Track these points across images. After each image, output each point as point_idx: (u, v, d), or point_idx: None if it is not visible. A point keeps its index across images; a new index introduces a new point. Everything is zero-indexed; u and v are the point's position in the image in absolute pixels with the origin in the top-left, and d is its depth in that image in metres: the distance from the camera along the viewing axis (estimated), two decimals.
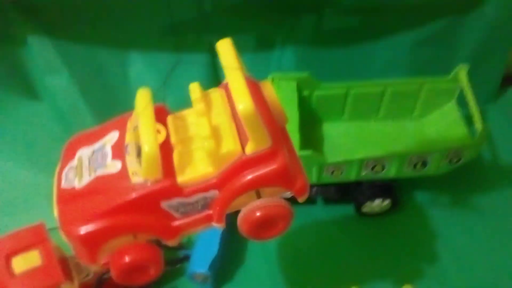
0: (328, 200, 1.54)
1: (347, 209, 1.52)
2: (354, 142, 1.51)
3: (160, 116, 0.85)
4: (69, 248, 0.85)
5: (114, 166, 0.79)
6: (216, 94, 0.88)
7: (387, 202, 1.47)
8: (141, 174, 0.75)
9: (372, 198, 1.45)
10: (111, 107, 1.50)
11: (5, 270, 1.18)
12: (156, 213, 0.79)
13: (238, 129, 0.80)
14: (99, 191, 0.79)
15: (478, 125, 1.32)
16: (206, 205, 0.81)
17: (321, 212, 1.55)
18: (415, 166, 1.36)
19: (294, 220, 1.52)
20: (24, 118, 1.54)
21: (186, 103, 1.58)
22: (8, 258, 1.18)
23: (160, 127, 0.83)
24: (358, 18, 1.50)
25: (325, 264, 1.43)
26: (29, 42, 1.36)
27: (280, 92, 1.40)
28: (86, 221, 0.77)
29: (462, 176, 1.51)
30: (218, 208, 0.81)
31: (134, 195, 0.76)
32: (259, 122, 0.74)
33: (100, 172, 0.80)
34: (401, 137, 1.51)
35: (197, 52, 1.50)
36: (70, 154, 0.89)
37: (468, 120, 1.44)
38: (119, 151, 0.81)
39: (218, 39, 1.49)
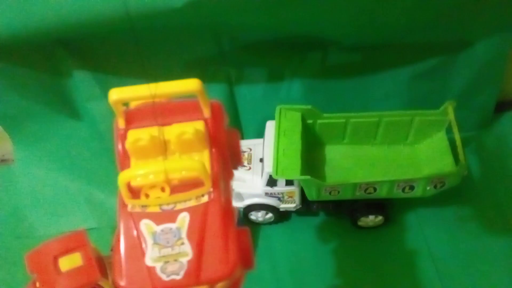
0: (327, 214, 1.74)
1: (345, 222, 1.70)
2: (353, 163, 1.69)
3: None
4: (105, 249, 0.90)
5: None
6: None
7: (380, 218, 1.65)
8: None
9: (366, 214, 1.63)
10: None
11: (53, 268, 1.42)
12: None
13: None
14: None
15: (461, 156, 1.48)
16: None
17: (322, 223, 1.73)
18: (403, 189, 1.53)
19: (297, 230, 1.72)
20: (68, 135, 1.76)
21: None
22: (56, 259, 1.42)
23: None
24: (359, 55, 1.66)
25: (322, 271, 1.61)
26: (73, 74, 1.59)
27: (286, 121, 1.59)
28: None
29: (453, 196, 1.66)
30: None
31: None
32: None
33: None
34: (395, 160, 1.68)
35: (216, 82, 1.69)
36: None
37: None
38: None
39: (234, 71, 1.70)
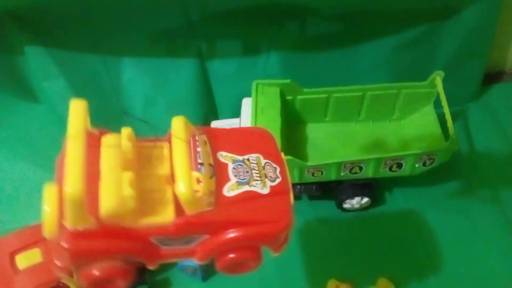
0: (311, 197, 1.64)
1: (330, 204, 1.61)
2: (336, 142, 1.59)
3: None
4: None
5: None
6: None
7: (366, 199, 1.55)
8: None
9: (351, 196, 1.53)
10: (104, 111, 1.58)
11: (10, 266, 1.29)
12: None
13: None
14: None
15: (450, 131, 1.39)
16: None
17: (306, 207, 1.63)
18: (391, 168, 1.44)
19: None
20: (25, 119, 1.61)
21: (176, 105, 1.66)
22: (12, 256, 1.29)
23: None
24: (340, 25, 1.55)
25: (308, 257, 1.51)
26: (26, 51, 1.43)
27: (264, 97, 1.47)
28: None
29: (440, 172, 1.56)
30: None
31: None
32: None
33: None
34: (381, 138, 1.58)
35: (185, 57, 1.56)
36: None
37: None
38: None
39: (205, 44, 1.57)
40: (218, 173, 0.80)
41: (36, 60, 1.44)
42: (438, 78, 1.48)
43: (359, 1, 1.46)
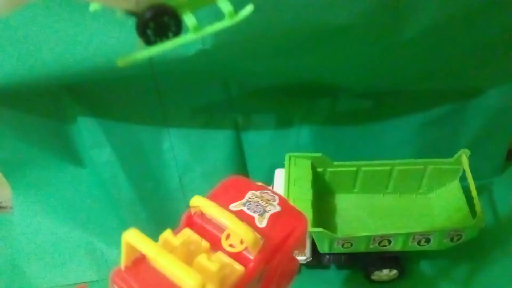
0: (340, 267, 1.66)
1: (358, 275, 1.63)
2: (364, 213, 1.63)
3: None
4: None
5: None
6: None
7: (394, 271, 1.57)
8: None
9: (380, 268, 1.55)
10: (146, 177, 1.68)
11: None
12: None
13: None
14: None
15: (477, 208, 1.43)
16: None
17: (333, 276, 1.66)
18: (419, 242, 1.47)
19: (308, 284, 1.65)
20: (69, 182, 1.71)
21: (211, 173, 1.74)
22: None
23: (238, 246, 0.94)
24: (369, 102, 1.64)
25: None
26: (78, 120, 1.55)
27: (296, 169, 1.55)
28: None
29: (467, 245, 1.57)
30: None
31: None
32: None
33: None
34: (408, 211, 1.62)
35: (222, 128, 1.66)
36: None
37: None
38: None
39: (241, 117, 1.67)
40: (243, 219, 0.95)
41: (87, 129, 1.55)
42: (463, 155, 1.54)
43: (388, 82, 1.55)
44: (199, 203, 0.95)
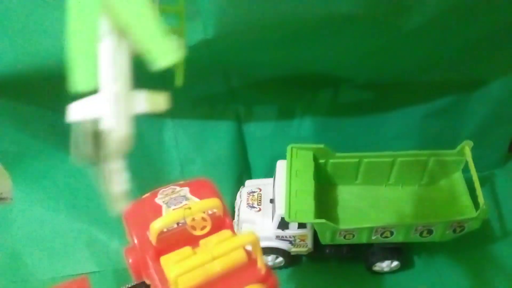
0: (341, 258, 1.66)
1: (359, 266, 1.63)
2: (366, 205, 1.62)
3: (220, 225, 0.96)
4: None
5: None
6: None
7: (396, 263, 1.57)
8: None
9: (381, 259, 1.55)
10: (147, 167, 1.67)
11: None
12: None
13: None
14: None
15: (480, 199, 1.42)
16: None
17: (335, 268, 1.66)
18: (421, 233, 1.47)
19: (309, 275, 1.65)
20: (70, 173, 1.70)
21: (213, 165, 1.74)
22: None
23: (208, 221, 0.94)
24: (372, 93, 1.63)
25: None
26: None
27: (298, 161, 1.54)
28: None
29: (469, 237, 1.57)
30: None
31: None
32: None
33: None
34: (410, 202, 1.61)
35: (224, 119, 1.65)
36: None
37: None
38: None
39: (243, 108, 1.66)
40: None
41: None
42: (467, 147, 1.53)
43: (390, 73, 1.54)
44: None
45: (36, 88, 1.47)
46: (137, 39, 0.63)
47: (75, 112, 0.72)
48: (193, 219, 0.93)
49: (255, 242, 0.88)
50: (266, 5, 1.22)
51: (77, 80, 0.62)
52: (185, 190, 1.02)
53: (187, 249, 0.91)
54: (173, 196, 1.00)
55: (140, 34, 0.63)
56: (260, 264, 0.90)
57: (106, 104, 0.67)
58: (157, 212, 0.97)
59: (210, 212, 0.95)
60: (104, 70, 0.66)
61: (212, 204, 0.93)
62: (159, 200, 1.01)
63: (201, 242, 0.93)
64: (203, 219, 0.93)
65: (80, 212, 1.74)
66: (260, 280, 0.89)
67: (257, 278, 0.89)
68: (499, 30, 1.44)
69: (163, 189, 1.04)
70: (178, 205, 0.96)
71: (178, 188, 1.03)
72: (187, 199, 0.99)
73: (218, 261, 0.85)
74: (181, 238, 0.93)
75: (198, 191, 1.01)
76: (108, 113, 0.68)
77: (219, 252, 0.84)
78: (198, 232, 0.93)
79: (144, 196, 1.05)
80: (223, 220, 0.96)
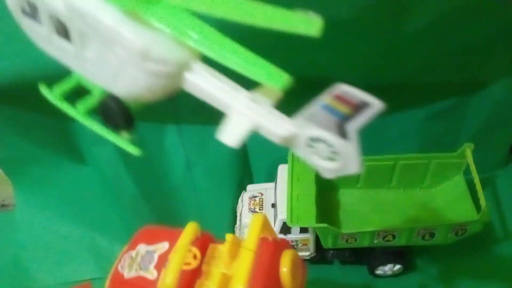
0: (344, 262, 1.66)
1: (361, 270, 1.63)
2: (368, 208, 1.62)
3: (204, 242, 0.99)
4: None
5: (152, 273, 0.94)
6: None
7: (398, 266, 1.57)
8: None
9: (384, 263, 1.56)
10: (149, 174, 1.67)
11: None
12: None
13: None
14: None
15: (482, 202, 1.42)
16: None
17: (337, 272, 1.66)
18: (423, 237, 1.46)
19: (311, 279, 1.65)
20: (71, 179, 1.71)
21: (214, 169, 1.73)
22: None
23: (197, 252, 0.95)
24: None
25: None
26: None
27: (299, 165, 1.54)
28: None
29: (471, 239, 1.58)
30: None
31: None
32: None
33: (142, 273, 0.95)
34: (412, 205, 1.61)
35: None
36: (135, 242, 1.06)
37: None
38: (161, 262, 0.95)
39: None
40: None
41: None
42: (468, 149, 1.53)
43: (391, 75, 1.53)
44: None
45: (38, 95, 1.47)
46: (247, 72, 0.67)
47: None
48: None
49: (265, 222, 0.93)
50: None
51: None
52: (142, 248, 1.02)
53: None
54: (138, 259, 1.00)
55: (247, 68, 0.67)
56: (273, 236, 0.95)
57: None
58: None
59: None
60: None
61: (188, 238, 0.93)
62: (129, 273, 0.99)
63: (204, 268, 0.95)
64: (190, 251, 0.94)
65: (82, 218, 1.75)
66: (284, 246, 0.96)
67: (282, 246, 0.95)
68: (500, 33, 1.44)
69: (122, 260, 1.04)
70: (152, 263, 0.97)
71: (133, 252, 1.03)
72: (153, 251, 0.99)
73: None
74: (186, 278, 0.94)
75: (153, 239, 1.02)
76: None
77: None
78: (194, 264, 0.94)
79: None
80: (204, 240, 0.98)
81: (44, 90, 0.84)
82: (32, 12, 0.70)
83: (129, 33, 0.62)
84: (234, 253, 0.93)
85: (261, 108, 0.70)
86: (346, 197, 1.65)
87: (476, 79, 1.60)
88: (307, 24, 0.72)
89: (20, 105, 1.53)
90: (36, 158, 1.67)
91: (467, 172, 1.57)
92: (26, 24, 0.73)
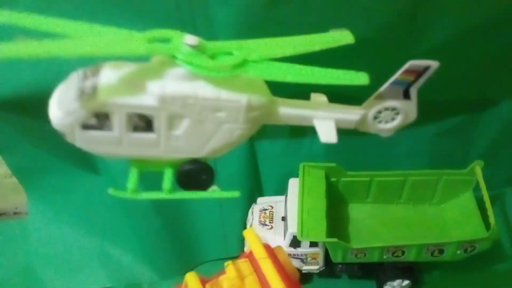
0: (352, 276, 1.67)
1: (370, 285, 1.63)
2: (377, 223, 1.63)
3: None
4: None
5: None
6: (244, 264, 1.13)
7: (407, 282, 1.58)
8: None
9: (393, 278, 1.56)
10: (158, 183, 1.69)
11: None
12: None
13: None
14: None
15: (491, 219, 1.42)
16: None
17: (345, 286, 1.66)
18: (432, 253, 1.47)
19: None
20: (84, 189, 1.73)
21: (225, 182, 1.74)
22: None
23: None
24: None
25: None
26: None
27: (310, 179, 1.55)
28: None
29: (480, 257, 1.58)
30: None
31: None
32: None
33: None
34: (421, 221, 1.62)
35: None
36: None
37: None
38: None
39: None
40: None
41: None
42: (477, 167, 1.54)
43: None
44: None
45: None
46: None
47: None
48: None
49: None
50: (279, 27, 1.24)
51: None
52: None
53: None
54: None
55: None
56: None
57: None
58: None
59: None
60: None
61: None
62: None
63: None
64: None
65: (94, 227, 1.76)
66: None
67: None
68: (510, 52, 1.45)
69: None
70: None
71: None
72: None
73: None
74: None
75: None
76: None
77: None
78: None
79: None
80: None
81: (116, 192, 0.92)
82: (100, 123, 0.73)
83: (231, 95, 0.73)
84: (242, 274, 0.99)
85: (331, 107, 0.89)
86: (356, 212, 1.66)
87: (487, 97, 1.62)
88: (342, 37, 0.92)
89: (34, 115, 1.54)
90: (50, 167, 1.69)
91: (476, 189, 1.58)
92: (85, 137, 0.76)
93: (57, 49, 0.68)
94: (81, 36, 0.73)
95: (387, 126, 0.93)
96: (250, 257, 1.14)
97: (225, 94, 0.73)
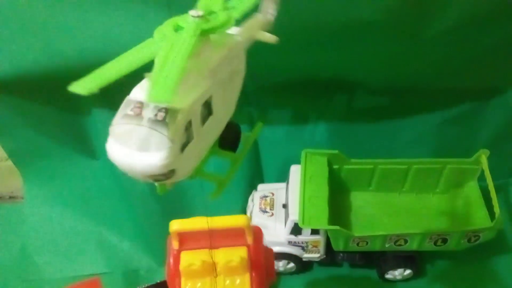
0: (353, 265, 1.64)
1: (371, 273, 1.61)
2: (379, 211, 1.61)
3: None
4: None
5: None
6: None
7: (408, 271, 1.56)
8: None
9: (394, 267, 1.54)
10: None
11: None
12: None
13: None
14: None
15: (496, 209, 1.40)
16: None
17: (346, 275, 1.64)
18: (435, 242, 1.45)
19: (320, 281, 1.64)
20: (82, 174, 1.70)
21: (226, 167, 1.72)
22: None
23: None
24: (387, 98, 1.61)
25: None
26: (93, 112, 1.54)
27: (312, 166, 1.53)
28: None
29: (483, 246, 1.55)
30: None
31: None
32: None
33: None
34: (424, 210, 1.60)
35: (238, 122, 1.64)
36: None
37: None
38: None
39: (256, 111, 1.65)
40: None
41: (102, 121, 1.54)
42: (483, 156, 1.51)
43: (407, 79, 1.52)
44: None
45: (51, 88, 1.47)
46: None
47: None
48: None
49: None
50: (284, 10, 1.21)
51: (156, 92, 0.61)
52: None
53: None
54: None
55: None
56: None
57: None
58: None
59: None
60: None
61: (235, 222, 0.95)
62: None
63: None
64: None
65: (91, 212, 1.74)
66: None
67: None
68: None
69: None
70: None
71: None
72: None
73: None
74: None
75: None
76: None
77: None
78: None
79: None
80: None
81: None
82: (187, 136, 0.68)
83: (232, 39, 0.78)
84: None
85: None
86: (358, 200, 1.64)
87: (494, 85, 1.59)
88: None
89: (32, 98, 1.52)
90: (47, 151, 1.66)
91: (480, 178, 1.56)
92: (185, 159, 0.69)
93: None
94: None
95: None
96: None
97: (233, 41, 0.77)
